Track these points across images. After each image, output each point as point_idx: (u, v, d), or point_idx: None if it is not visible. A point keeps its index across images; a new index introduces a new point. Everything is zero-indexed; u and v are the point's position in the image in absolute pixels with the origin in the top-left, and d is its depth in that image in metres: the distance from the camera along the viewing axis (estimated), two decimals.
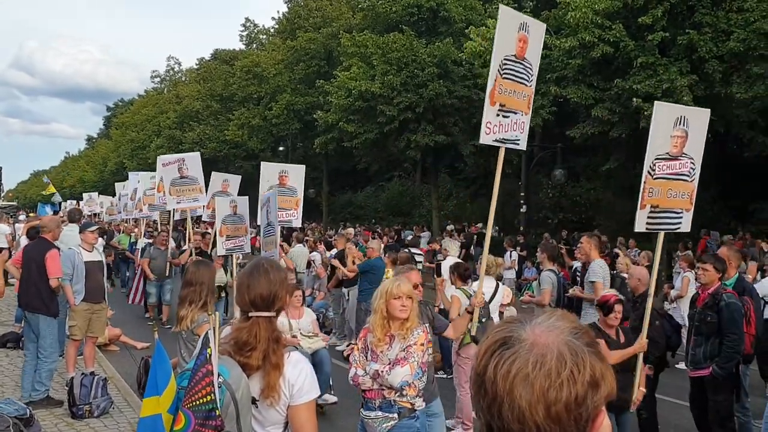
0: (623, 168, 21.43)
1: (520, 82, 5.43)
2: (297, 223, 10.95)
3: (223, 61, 49.89)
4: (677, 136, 5.11)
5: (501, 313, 8.37)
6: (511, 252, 18.58)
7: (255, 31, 55.34)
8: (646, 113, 15.52)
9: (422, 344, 4.13)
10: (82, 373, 7.25)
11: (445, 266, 9.37)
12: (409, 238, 22.67)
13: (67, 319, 7.94)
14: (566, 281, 8.87)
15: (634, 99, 15.61)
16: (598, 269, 7.59)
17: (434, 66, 24.45)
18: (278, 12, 61.92)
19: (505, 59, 5.30)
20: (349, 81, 25.79)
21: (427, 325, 4.69)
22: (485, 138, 5.27)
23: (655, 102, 5.52)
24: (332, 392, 7.61)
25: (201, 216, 15.31)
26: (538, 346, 1.06)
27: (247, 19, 56.80)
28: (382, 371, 4.11)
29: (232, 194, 11.76)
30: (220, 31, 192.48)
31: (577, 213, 26.20)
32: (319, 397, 5.26)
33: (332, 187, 39.81)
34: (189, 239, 12.57)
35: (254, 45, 53.87)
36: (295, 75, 37.15)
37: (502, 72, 5.29)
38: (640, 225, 5.30)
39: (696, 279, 6.21)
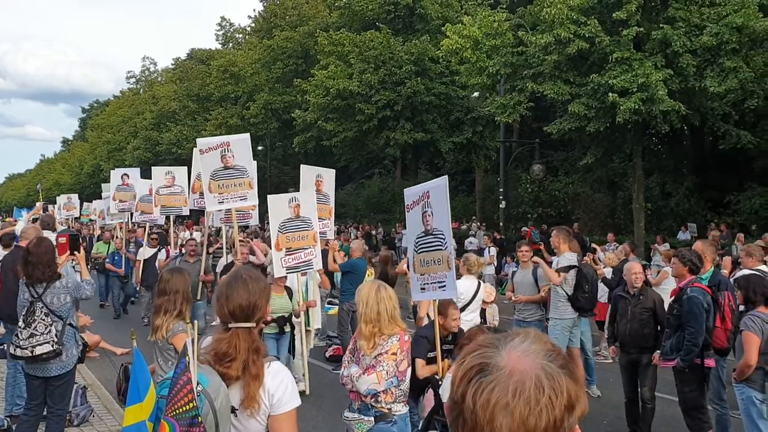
0: (600, 162, 21.63)
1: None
2: (331, 234, 10.10)
3: (200, 61, 49.52)
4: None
5: (483, 311, 8.39)
6: (489, 248, 18.65)
7: (231, 30, 55.04)
8: (622, 108, 15.69)
9: (394, 353, 4.09)
10: None
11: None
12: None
13: None
14: None
15: (610, 94, 15.75)
16: (570, 257, 7.73)
17: (411, 63, 24.49)
18: (254, 11, 61.72)
19: None
20: (326, 80, 25.74)
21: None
22: None
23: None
24: None
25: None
26: (516, 373, 1.06)
27: (223, 18, 56.75)
28: (354, 376, 4.11)
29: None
30: (196, 30, 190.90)
31: (555, 207, 26.38)
32: None
33: None
34: (235, 251, 9.72)
35: (230, 44, 53.58)
36: (273, 74, 36.99)
37: None
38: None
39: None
